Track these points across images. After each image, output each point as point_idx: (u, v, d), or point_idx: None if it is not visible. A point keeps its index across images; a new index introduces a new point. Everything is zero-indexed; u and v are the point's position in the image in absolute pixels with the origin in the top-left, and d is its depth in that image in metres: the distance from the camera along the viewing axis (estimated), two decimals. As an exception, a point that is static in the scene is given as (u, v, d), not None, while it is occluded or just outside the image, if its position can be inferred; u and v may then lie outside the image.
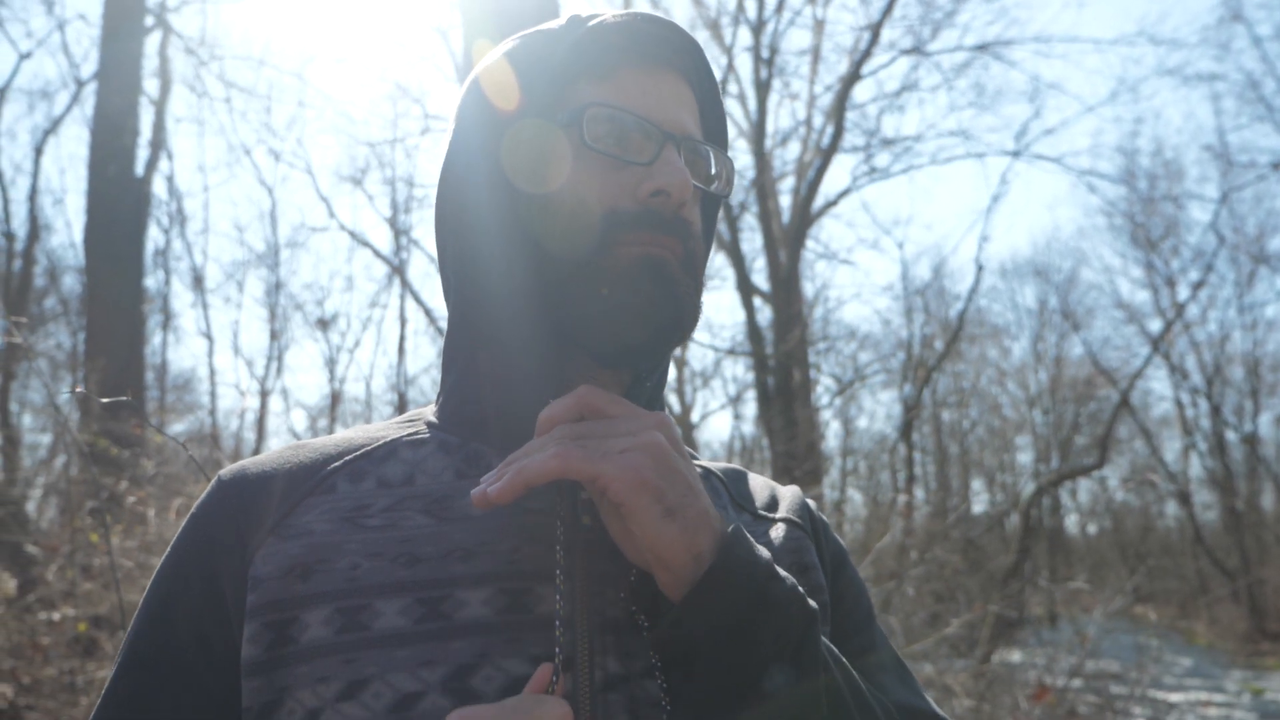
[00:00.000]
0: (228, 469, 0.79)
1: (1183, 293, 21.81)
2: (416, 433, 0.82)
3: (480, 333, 0.81)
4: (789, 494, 0.91)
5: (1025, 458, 27.21)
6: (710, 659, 0.63)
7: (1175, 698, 10.31)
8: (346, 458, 0.78)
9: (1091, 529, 28.81)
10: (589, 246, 0.75)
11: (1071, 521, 27.40)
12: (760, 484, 0.92)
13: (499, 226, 0.79)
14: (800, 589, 0.66)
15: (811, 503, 0.93)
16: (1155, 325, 22.65)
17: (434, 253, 0.88)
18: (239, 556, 0.72)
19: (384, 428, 0.83)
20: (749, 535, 0.67)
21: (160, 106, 11.59)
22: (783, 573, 0.66)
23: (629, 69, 0.78)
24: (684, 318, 0.77)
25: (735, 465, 0.94)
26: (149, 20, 10.26)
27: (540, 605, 0.70)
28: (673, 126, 0.77)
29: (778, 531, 0.85)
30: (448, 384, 0.84)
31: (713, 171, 0.82)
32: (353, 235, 17.13)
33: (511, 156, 0.78)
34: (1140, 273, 28.01)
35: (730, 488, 0.89)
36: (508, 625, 0.69)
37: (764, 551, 0.67)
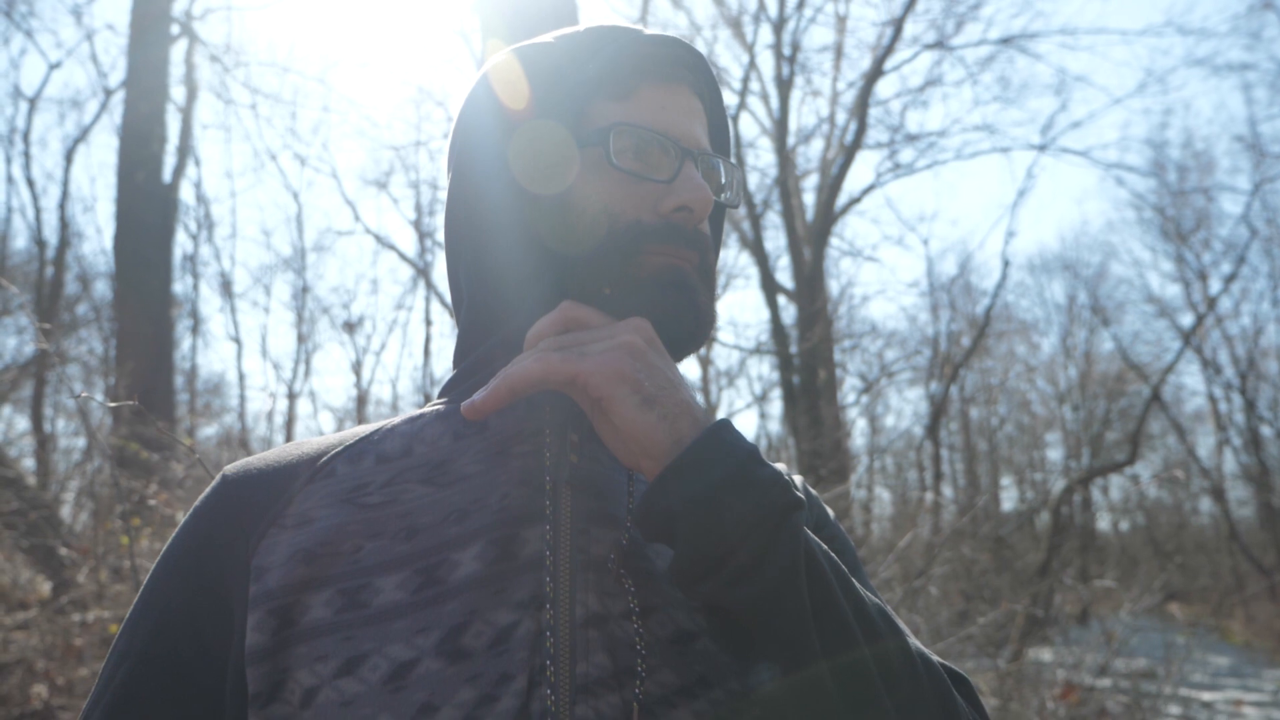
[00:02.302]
0: (232, 465, 0.81)
1: (1215, 286, 21.49)
2: (417, 414, 0.84)
3: (490, 332, 0.83)
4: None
5: (1055, 454, 26.97)
6: (688, 529, 0.64)
7: (1210, 696, 10.17)
8: (346, 444, 0.81)
9: (1124, 526, 28.49)
10: (600, 252, 0.77)
11: (1104, 519, 27.11)
12: None
13: (510, 227, 0.81)
14: (786, 479, 0.67)
15: (798, 478, 0.95)
16: (1187, 319, 22.32)
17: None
18: (241, 549, 0.74)
19: (389, 419, 0.85)
20: (734, 426, 0.68)
21: (187, 113, 11.73)
22: (769, 462, 0.67)
23: (646, 86, 0.81)
24: (702, 324, 0.80)
25: None
26: (175, 29, 10.37)
27: (525, 549, 0.72)
28: (690, 142, 0.81)
29: None
30: (456, 374, 0.87)
31: (723, 182, 0.86)
32: (378, 238, 17.27)
33: (521, 158, 0.80)
34: (1171, 266, 27.53)
35: None
36: (495, 576, 0.71)
37: (751, 442, 0.68)
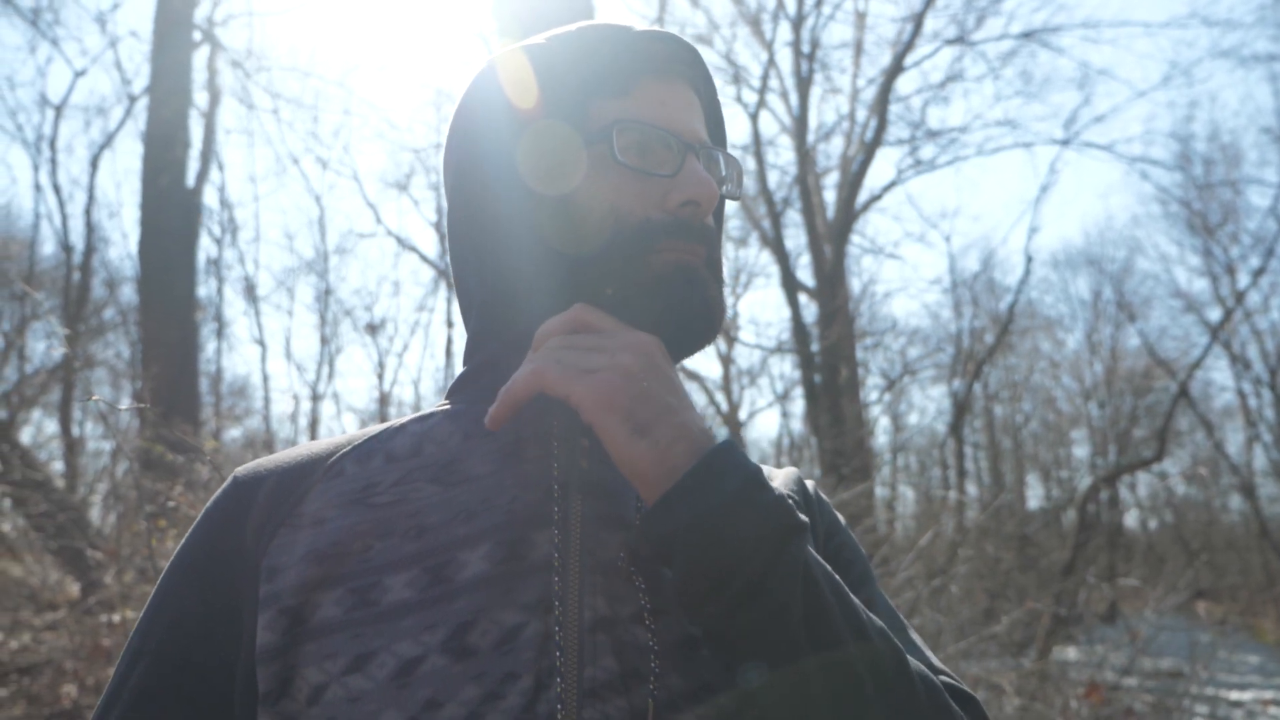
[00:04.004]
0: (243, 466, 0.82)
1: (1243, 280, 21.18)
2: (427, 414, 0.84)
3: (497, 334, 0.84)
4: (783, 473, 0.93)
5: (1081, 451, 26.74)
6: (683, 559, 0.63)
7: (1240, 696, 10.05)
8: (355, 443, 0.81)
9: (1153, 524, 28.19)
10: (595, 250, 0.78)
11: (1132, 516, 26.83)
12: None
13: (517, 227, 0.81)
14: (790, 501, 0.66)
15: (810, 482, 0.94)
16: (1215, 314, 22.02)
17: None
18: (252, 550, 0.74)
19: (398, 418, 0.86)
20: (739, 448, 0.67)
21: (210, 119, 11.84)
22: (774, 485, 0.66)
23: (645, 83, 0.81)
24: (714, 318, 0.81)
25: None
26: (197, 35, 10.46)
27: (534, 551, 0.72)
28: (690, 136, 0.82)
29: None
30: (462, 373, 0.88)
31: (723, 174, 0.86)
32: (399, 240, 17.38)
33: (529, 157, 0.80)
34: (1198, 260, 27.29)
35: None
36: (503, 576, 0.71)
37: (753, 464, 0.67)
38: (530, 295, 0.80)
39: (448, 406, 0.85)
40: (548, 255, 0.79)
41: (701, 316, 0.79)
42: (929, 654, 0.84)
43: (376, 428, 0.83)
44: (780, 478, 0.92)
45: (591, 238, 0.78)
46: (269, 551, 0.73)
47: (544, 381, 0.69)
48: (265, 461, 0.81)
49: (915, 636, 0.86)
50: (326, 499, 0.75)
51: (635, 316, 0.77)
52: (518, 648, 0.68)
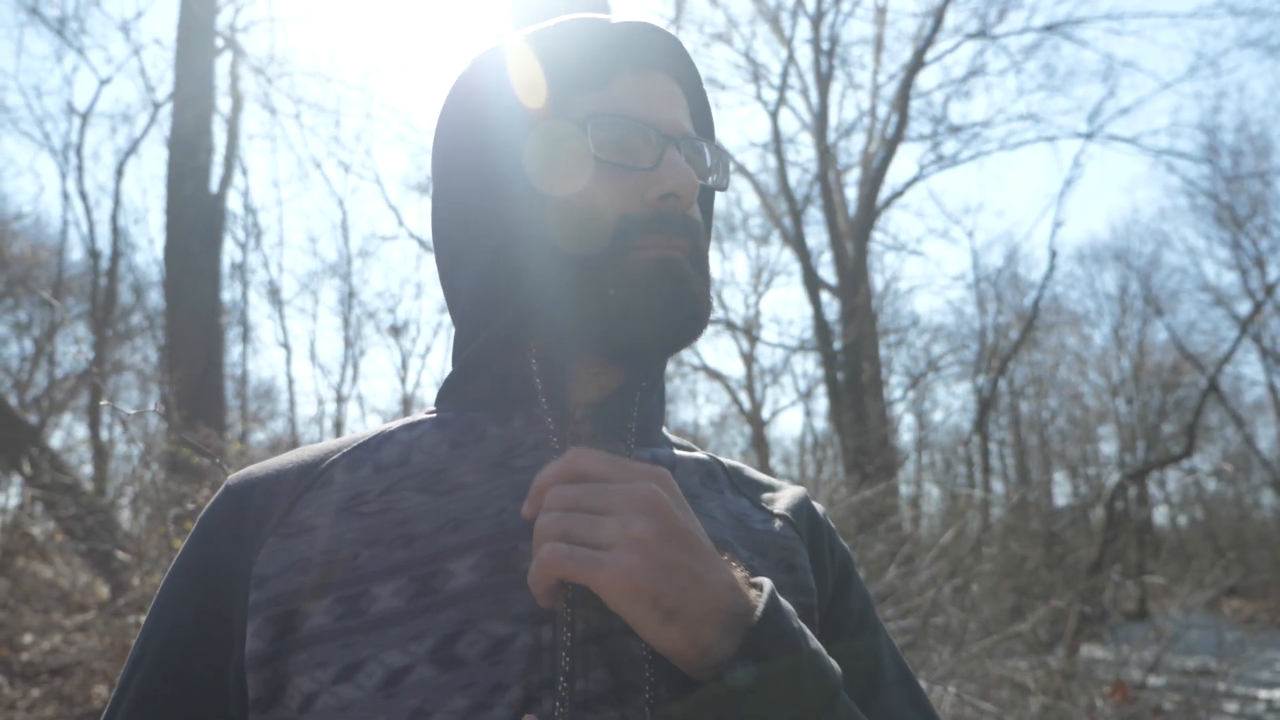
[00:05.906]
0: (235, 474, 0.82)
1: (1273, 273, 20.91)
2: (415, 421, 0.84)
3: (486, 326, 0.83)
4: (790, 492, 0.92)
5: (1109, 448, 26.46)
6: None
7: (1270, 694, 9.91)
8: (344, 450, 0.81)
9: (1182, 520, 27.85)
10: (600, 250, 0.76)
11: (1161, 513, 26.50)
12: (763, 478, 0.93)
13: (512, 223, 0.80)
14: (825, 661, 0.66)
15: (819, 506, 0.93)
16: (1244, 307, 21.75)
17: None
18: (243, 558, 0.75)
19: (388, 424, 0.85)
20: (777, 611, 0.65)
21: (233, 124, 11.94)
22: (809, 647, 0.66)
23: (622, 75, 0.80)
24: (699, 314, 0.79)
25: (740, 463, 0.95)
26: (219, 42, 10.56)
27: (525, 563, 0.71)
28: (671, 128, 0.80)
29: (775, 525, 0.85)
30: (449, 376, 0.87)
31: (709, 165, 0.84)
32: (421, 243, 17.41)
33: (532, 157, 0.79)
34: (1226, 253, 26.96)
35: (732, 475, 0.90)
36: (493, 587, 0.70)
37: (792, 629, 0.65)
38: (527, 293, 0.79)
39: (435, 414, 0.84)
40: (546, 252, 0.78)
41: (687, 312, 0.77)
42: (933, 714, 0.85)
43: (367, 433, 0.83)
44: (788, 497, 0.91)
45: (578, 236, 0.76)
46: (259, 559, 0.73)
47: (559, 573, 0.64)
48: (257, 469, 0.81)
49: (920, 692, 0.87)
50: (316, 508, 0.75)
51: (625, 316, 0.76)
52: (507, 659, 0.68)
